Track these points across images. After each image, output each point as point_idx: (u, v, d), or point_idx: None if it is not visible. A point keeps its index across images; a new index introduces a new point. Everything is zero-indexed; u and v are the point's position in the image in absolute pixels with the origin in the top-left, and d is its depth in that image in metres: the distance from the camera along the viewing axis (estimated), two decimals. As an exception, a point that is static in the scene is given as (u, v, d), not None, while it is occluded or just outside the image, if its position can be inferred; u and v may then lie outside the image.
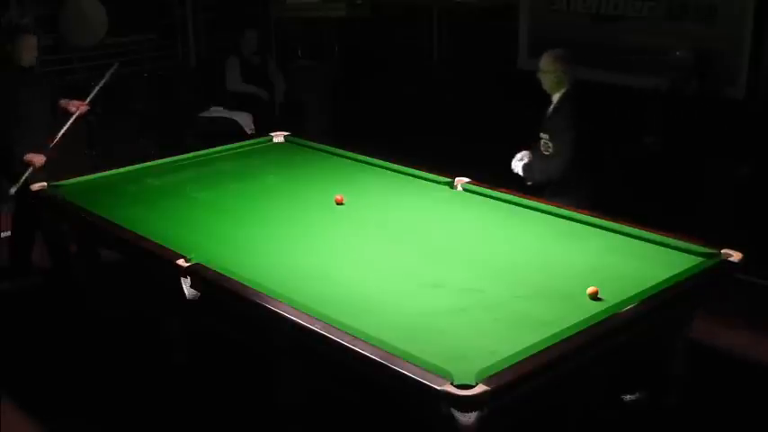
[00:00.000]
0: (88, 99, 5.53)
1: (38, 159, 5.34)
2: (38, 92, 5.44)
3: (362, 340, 3.14)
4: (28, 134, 5.34)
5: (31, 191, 4.96)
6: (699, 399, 4.17)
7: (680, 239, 4.03)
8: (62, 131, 5.41)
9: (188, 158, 5.61)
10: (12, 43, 5.25)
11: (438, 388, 2.84)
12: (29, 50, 5.27)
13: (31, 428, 4.15)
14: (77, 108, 5.45)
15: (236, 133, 7.15)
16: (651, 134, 5.62)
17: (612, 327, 3.31)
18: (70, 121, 5.44)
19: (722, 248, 3.89)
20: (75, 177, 5.15)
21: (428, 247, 4.16)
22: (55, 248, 5.68)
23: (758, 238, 5.32)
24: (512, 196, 4.72)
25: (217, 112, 7.67)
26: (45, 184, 4.99)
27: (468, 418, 2.79)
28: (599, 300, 3.52)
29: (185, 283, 3.84)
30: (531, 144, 5.14)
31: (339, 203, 4.68)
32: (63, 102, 5.47)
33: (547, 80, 4.95)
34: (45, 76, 5.57)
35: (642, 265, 3.85)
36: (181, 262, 3.88)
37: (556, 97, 4.98)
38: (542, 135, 4.99)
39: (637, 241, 4.13)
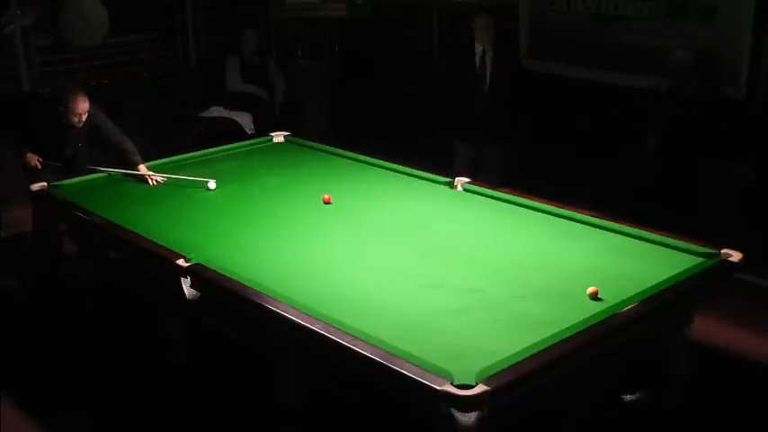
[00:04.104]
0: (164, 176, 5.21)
1: (31, 159, 5.42)
2: (77, 145, 5.50)
3: (362, 340, 3.14)
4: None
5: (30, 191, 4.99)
6: (699, 399, 4.16)
7: (680, 239, 4.03)
8: (113, 170, 5.28)
9: (188, 158, 5.62)
10: (61, 105, 5.26)
11: (438, 388, 2.84)
12: (75, 114, 5.24)
13: (31, 428, 4.15)
14: (153, 180, 5.17)
15: (236, 133, 7.14)
16: (651, 134, 5.62)
17: (612, 327, 3.31)
18: (130, 172, 5.24)
19: (722, 248, 3.89)
20: (74, 177, 5.18)
21: (428, 246, 4.16)
22: (44, 250, 5.73)
23: (758, 237, 5.32)
24: (512, 196, 4.72)
25: (217, 112, 7.66)
26: (45, 184, 5.00)
27: (469, 418, 2.79)
28: (599, 300, 3.52)
29: (185, 283, 3.84)
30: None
31: (327, 203, 4.69)
32: (143, 169, 5.21)
33: (487, 34, 6.06)
34: (92, 133, 5.43)
35: (642, 265, 3.85)
36: (181, 262, 3.89)
37: (489, 46, 6.07)
38: (504, 76, 6.12)
39: (637, 241, 4.13)
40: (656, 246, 4.06)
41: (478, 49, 6.10)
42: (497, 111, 6.08)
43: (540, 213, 4.53)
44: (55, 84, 7.26)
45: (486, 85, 6.10)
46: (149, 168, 5.25)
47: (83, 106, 5.25)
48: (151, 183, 5.16)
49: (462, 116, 6.20)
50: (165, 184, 5.15)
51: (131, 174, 5.24)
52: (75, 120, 5.27)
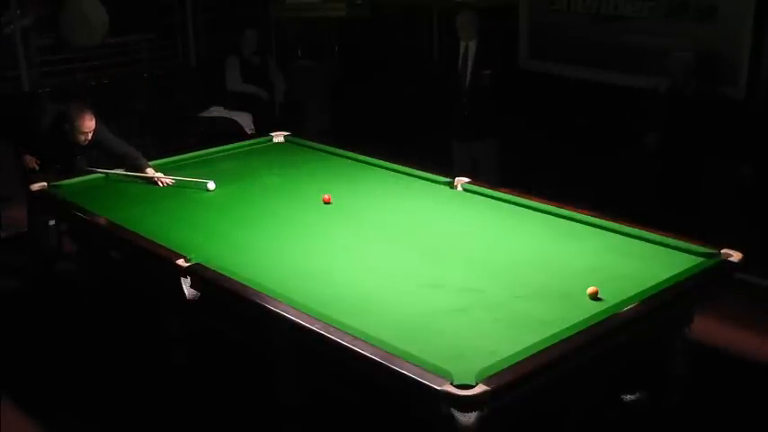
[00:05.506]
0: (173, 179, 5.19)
1: (29, 162, 5.49)
2: (76, 156, 5.52)
3: (362, 340, 3.14)
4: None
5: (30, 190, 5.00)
6: (699, 399, 4.17)
7: (680, 239, 4.03)
8: (113, 171, 5.30)
9: (188, 158, 5.62)
10: (67, 123, 5.25)
11: (438, 388, 2.84)
12: (81, 133, 5.24)
13: (30, 428, 4.15)
14: (162, 182, 5.15)
15: (236, 133, 7.15)
16: (651, 134, 5.62)
17: (612, 327, 3.31)
18: (133, 174, 5.24)
19: (722, 248, 3.89)
20: (74, 177, 5.18)
21: (428, 247, 4.16)
22: (39, 249, 5.77)
23: (758, 237, 5.32)
24: (512, 196, 4.72)
25: (217, 112, 7.66)
26: (45, 184, 5.01)
27: (468, 418, 2.79)
28: (599, 300, 3.52)
29: (185, 283, 3.84)
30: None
31: (327, 203, 4.69)
32: (151, 172, 5.19)
33: (471, 30, 6.10)
34: (94, 147, 5.43)
35: (642, 265, 3.85)
36: (181, 262, 3.89)
37: (472, 42, 6.11)
38: (485, 71, 6.11)
39: (637, 241, 4.13)
40: (656, 246, 4.06)
41: (461, 46, 6.15)
42: (480, 107, 6.10)
43: (540, 213, 4.53)
44: (54, 84, 7.27)
45: (466, 82, 6.13)
46: None
47: (89, 125, 5.24)
48: (162, 185, 5.12)
49: (451, 114, 6.27)
50: (172, 185, 5.12)
51: (131, 175, 5.24)
52: (82, 138, 5.26)
